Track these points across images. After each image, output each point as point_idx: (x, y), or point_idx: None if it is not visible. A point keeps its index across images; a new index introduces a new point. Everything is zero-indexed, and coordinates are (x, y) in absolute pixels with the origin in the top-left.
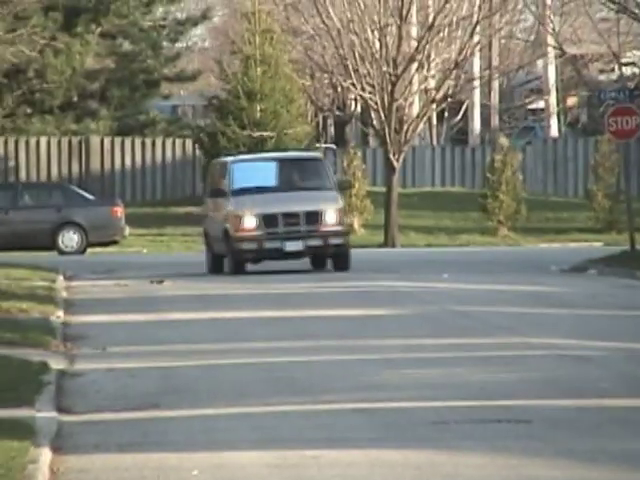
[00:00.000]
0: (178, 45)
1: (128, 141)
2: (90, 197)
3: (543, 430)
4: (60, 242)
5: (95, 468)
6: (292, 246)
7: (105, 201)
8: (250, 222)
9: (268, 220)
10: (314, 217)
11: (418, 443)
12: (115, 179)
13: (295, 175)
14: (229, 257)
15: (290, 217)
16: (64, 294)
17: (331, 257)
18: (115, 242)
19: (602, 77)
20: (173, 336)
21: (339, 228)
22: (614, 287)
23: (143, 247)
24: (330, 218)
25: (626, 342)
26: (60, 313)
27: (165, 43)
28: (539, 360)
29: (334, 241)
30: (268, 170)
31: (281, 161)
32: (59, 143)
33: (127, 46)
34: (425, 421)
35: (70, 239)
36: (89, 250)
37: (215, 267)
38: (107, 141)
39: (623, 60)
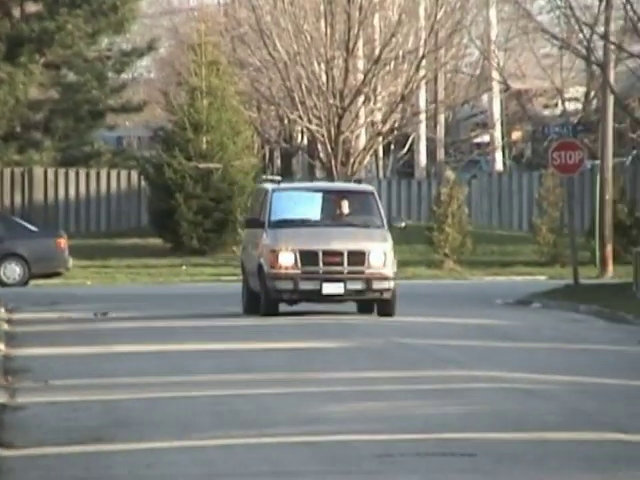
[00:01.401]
0: (123, 76)
1: (72, 172)
2: (33, 228)
3: (487, 463)
4: (2, 274)
5: None
6: (331, 288)
7: (48, 232)
8: (286, 258)
9: (306, 257)
10: (358, 257)
11: (363, 476)
12: (59, 210)
13: (342, 209)
14: (262, 296)
15: (331, 255)
16: (5, 327)
17: (375, 302)
18: (58, 274)
19: (546, 112)
20: (117, 369)
21: (385, 271)
22: (558, 320)
23: (87, 279)
24: (376, 259)
25: (570, 375)
26: (1, 346)
27: (110, 74)
28: (484, 393)
29: (379, 285)
30: (312, 201)
31: (327, 192)
32: (1, 174)
33: (72, 77)
34: (370, 454)
35: (12, 271)
36: (32, 282)
37: (251, 306)
38: (51, 172)
39: (566, 95)
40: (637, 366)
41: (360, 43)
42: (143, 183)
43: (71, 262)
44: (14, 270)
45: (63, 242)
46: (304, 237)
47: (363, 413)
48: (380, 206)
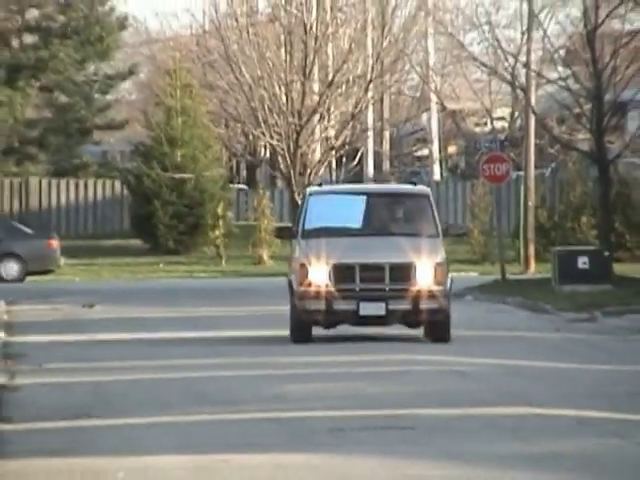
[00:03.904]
0: (108, 97)
1: (63, 182)
2: (29, 231)
3: (425, 436)
4: (2, 271)
5: (29, 471)
6: (370, 309)
7: (42, 234)
8: (318, 274)
9: (341, 273)
10: (403, 272)
11: (318, 448)
12: (52, 215)
13: (389, 215)
14: (291, 318)
15: (371, 270)
16: (5, 317)
17: (425, 325)
18: (51, 271)
19: (477, 129)
20: (102, 354)
21: (436, 288)
22: (488, 311)
23: (76, 275)
24: (425, 274)
25: (498, 359)
26: (1, 334)
27: (96, 95)
28: (424, 375)
29: (428, 305)
30: (353, 206)
31: (373, 195)
32: (2, 184)
33: (63, 98)
34: (324, 428)
35: (11, 268)
36: (28, 278)
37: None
38: (44, 182)
39: (494, 115)
40: (554, 350)
41: (315, 69)
42: (125, 191)
43: (62, 260)
44: (12, 268)
45: (55, 243)
46: (339, 248)
47: (318, 392)
48: (435, 211)
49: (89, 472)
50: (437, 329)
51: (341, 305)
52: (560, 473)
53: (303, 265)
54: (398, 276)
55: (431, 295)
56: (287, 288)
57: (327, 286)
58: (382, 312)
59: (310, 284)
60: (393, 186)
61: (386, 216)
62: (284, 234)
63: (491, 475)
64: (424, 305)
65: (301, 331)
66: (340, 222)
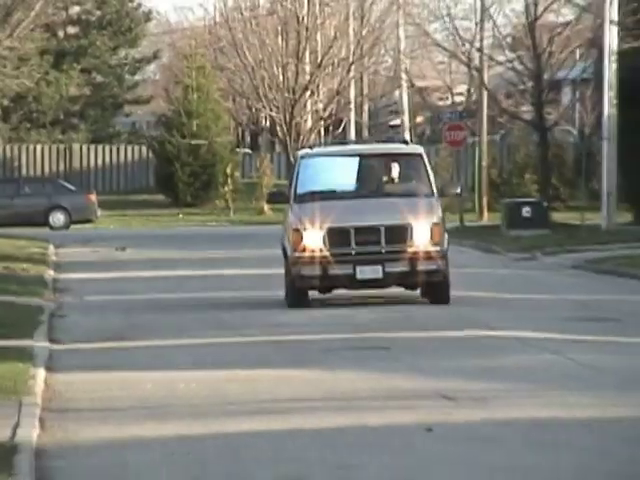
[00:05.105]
0: (136, 77)
1: (100, 147)
2: (72, 188)
3: (398, 354)
4: (51, 220)
5: (76, 382)
6: (367, 272)
7: (83, 191)
8: (312, 239)
9: (336, 236)
10: (399, 233)
11: (310, 364)
12: (90, 175)
13: (382, 175)
14: (286, 283)
15: (366, 233)
16: (54, 258)
17: (423, 286)
18: (90, 221)
19: (440, 103)
20: (133, 288)
21: (433, 249)
22: (449, 252)
23: (110, 224)
24: (421, 235)
25: (457, 291)
26: (51, 271)
27: (127, 76)
28: (395, 306)
29: (425, 267)
30: (346, 168)
31: (365, 156)
32: (50, 149)
33: (99, 78)
34: (315, 349)
35: (58, 219)
36: (72, 226)
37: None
38: (85, 148)
39: (454, 91)
40: (503, 283)
41: (307, 53)
42: (150, 155)
43: (99, 212)
44: (59, 218)
45: (93, 197)
46: (334, 212)
47: (310, 320)
48: (429, 170)
49: (123, 383)
50: (436, 290)
51: (337, 270)
52: (503, 381)
53: (297, 230)
54: (394, 238)
55: (428, 256)
56: (281, 253)
57: (322, 251)
58: (379, 275)
59: (304, 249)
60: (386, 145)
61: (380, 177)
62: (277, 199)
63: (452, 384)
64: (421, 266)
65: (297, 297)
66: (333, 185)
